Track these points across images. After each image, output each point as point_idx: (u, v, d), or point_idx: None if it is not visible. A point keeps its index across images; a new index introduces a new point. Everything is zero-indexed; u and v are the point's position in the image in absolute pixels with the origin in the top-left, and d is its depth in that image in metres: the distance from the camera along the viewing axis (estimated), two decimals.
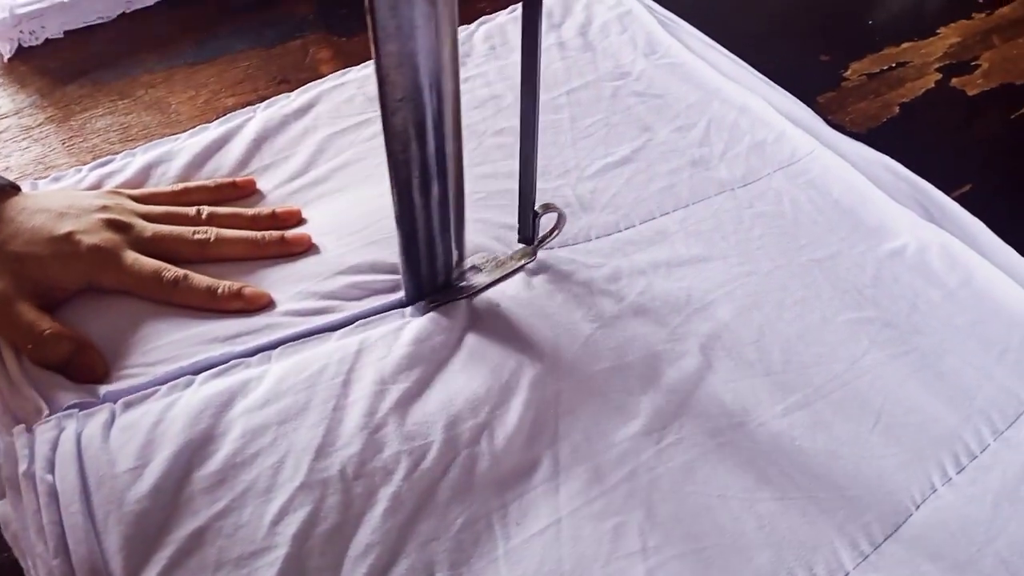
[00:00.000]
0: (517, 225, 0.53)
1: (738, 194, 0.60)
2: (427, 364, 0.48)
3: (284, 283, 0.52)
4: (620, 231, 0.57)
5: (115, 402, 0.44)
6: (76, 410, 0.44)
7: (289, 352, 0.48)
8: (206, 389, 0.46)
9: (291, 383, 0.46)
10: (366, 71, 0.67)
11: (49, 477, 0.41)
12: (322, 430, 0.45)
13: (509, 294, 0.52)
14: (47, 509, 0.40)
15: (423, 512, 0.42)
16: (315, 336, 0.49)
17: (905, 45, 0.74)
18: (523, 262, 0.53)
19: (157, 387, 0.46)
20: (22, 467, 0.41)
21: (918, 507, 0.45)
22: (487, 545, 0.42)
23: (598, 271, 0.54)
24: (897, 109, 0.72)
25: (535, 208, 0.51)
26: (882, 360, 0.51)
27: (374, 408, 0.46)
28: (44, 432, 0.42)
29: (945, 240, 0.57)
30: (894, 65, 0.74)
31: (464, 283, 0.52)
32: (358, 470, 0.44)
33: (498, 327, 0.50)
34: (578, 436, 0.46)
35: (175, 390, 0.46)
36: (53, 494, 0.40)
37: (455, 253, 0.51)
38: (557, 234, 0.53)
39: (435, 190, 0.45)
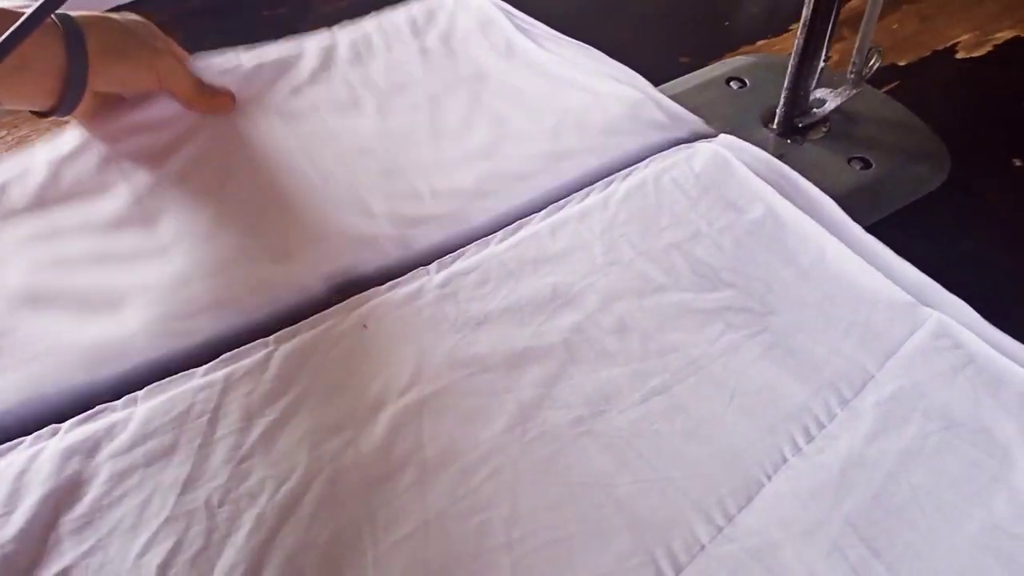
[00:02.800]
0: None
1: (606, 187, 0.62)
2: (293, 394, 0.49)
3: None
4: (489, 234, 0.58)
5: None
6: None
7: (155, 392, 0.48)
8: (71, 436, 0.46)
9: (157, 424, 0.47)
10: None
11: None
12: (188, 467, 0.45)
13: (379, 312, 0.53)
14: None
15: (287, 527, 0.43)
16: (181, 374, 0.49)
17: (760, 43, 0.77)
18: (856, 90, 0.66)
19: (22, 439, 0.46)
20: None
21: (770, 479, 0.47)
22: (355, 553, 0.43)
23: (466, 278, 0.55)
24: None
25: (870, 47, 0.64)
26: (736, 342, 0.53)
27: (240, 442, 0.47)
28: None
29: (799, 216, 0.59)
30: None
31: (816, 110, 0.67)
32: (223, 499, 0.44)
33: (365, 346, 0.51)
34: (443, 440, 0.47)
35: (40, 440, 0.46)
36: None
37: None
38: (875, 67, 0.65)
39: None
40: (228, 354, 0.50)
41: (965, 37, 0.80)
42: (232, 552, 0.42)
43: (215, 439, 0.46)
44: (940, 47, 0.79)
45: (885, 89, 0.74)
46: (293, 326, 0.52)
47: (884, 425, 0.49)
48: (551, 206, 0.61)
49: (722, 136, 0.66)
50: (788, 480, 0.47)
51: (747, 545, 0.44)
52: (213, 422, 0.47)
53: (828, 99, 0.67)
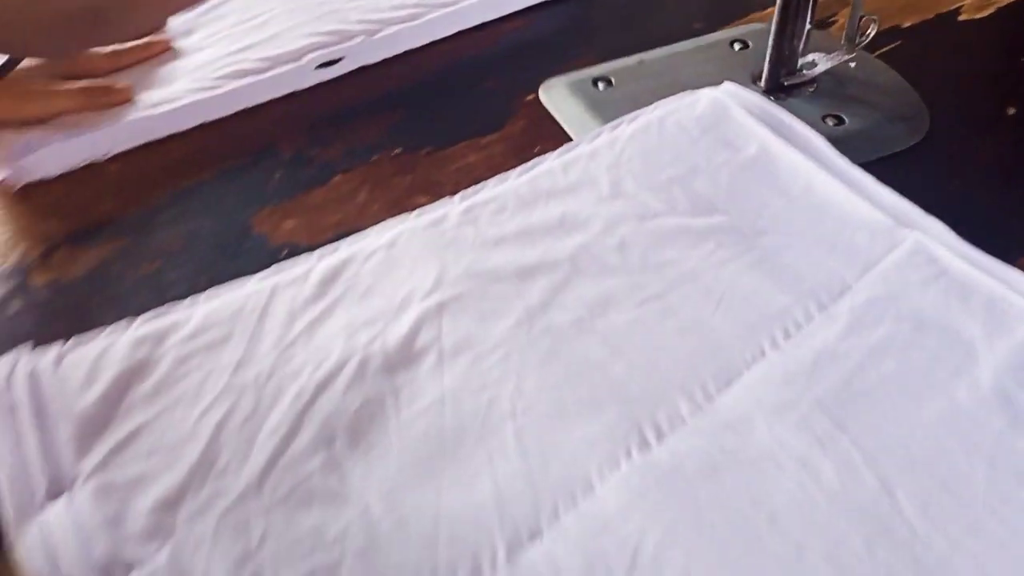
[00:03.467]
0: None
1: (613, 130, 0.68)
2: (330, 298, 0.56)
3: None
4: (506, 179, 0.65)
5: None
6: (29, 349, 0.52)
7: (212, 296, 0.56)
8: (142, 329, 0.54)
9: (215, 319, 0.55)
10: None
11: (7, 395, 0.49)
12: (240, 352, 0.53)
13: (407, 234, 0.60)
14: (5, 419, 0.48)
15: (322, 397, 0.50)
16: (234, 282, 0.57)
17: (769, 10, 0.83)
18: (847, 55, 0.70)
19: (100, 329, 0.54)
20: None
21: (749, 368, 0.52)
22: (380, 419, 0.50)
23: (485, 207, 0.62)
24: None
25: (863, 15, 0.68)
26: (727, 258, 0.59)
27: (285, 334, 0.54)
28: (3, 364, 0.51)
29: (790, 152, 0.65)
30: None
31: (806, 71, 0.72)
32: (269, 376, 0.52)
33: (393, 261, 0.58)
34: (459, 334, 0.54)
35: (115, 332, 0.54)
36: (11, 408, 0.48)
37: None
38: (871, 35, 0.68)
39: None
40: (275, 266, 0.58)
41: (970, 0, 0.84)
42: (276, 416, 0.49)
43: (264, 331, 0.54)
44: (944, 10, 0.83)
45: (884, 50, 0.79)
46: (333, 243, 0.59)
47: (857, 325, 0.54)
48: (566, 145, 0.68)
49: (725, 84, 0.72)
50: (765, 369, 0.52)
51: (723, 419, 0.50)
52: (262, 318, 0.54)
53: (819, 62, 0.72)
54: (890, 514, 0.45)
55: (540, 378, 0.52)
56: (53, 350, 0.52)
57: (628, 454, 0.48)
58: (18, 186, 0.68)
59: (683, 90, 0.73)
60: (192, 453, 0.47)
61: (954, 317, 0.55)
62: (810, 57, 0.74)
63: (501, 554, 0.44)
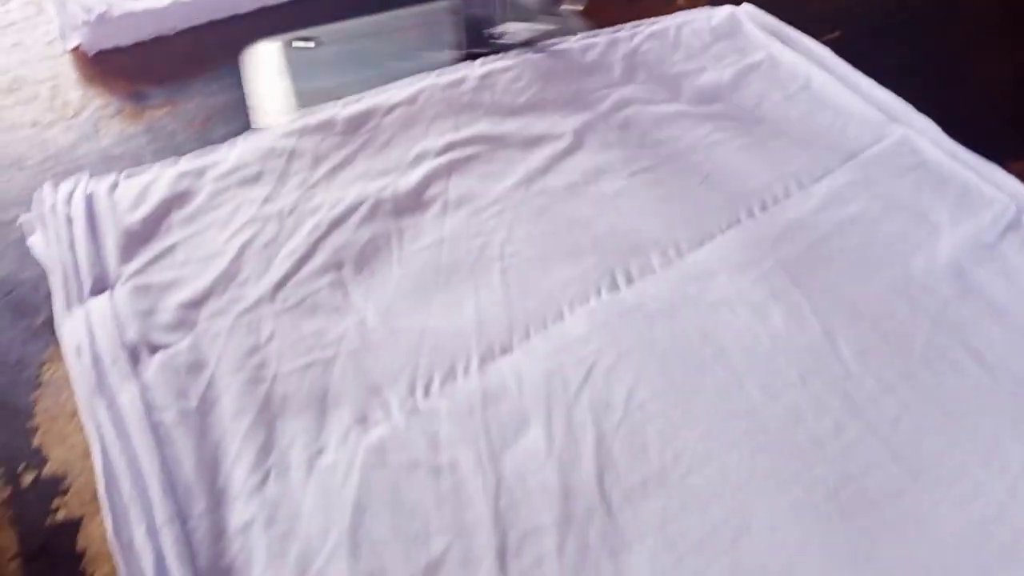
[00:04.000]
0: None
1: (634, 28, 0.73)
2: (353, 146, 0.62)
3: None
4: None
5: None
6: (86, 175, 0.59)
7: (248, 138, 0.63)
8: (187, 164, 0.61)
9: (248, 159, 0.61)
10: None
11: (66, 208, 0.57)
12: (268, 189, 0.60)
13: (427, 92, 0.66)
14: (64, 227, 0.56)
15: (335, 231, 0.57)
16: (268, 126, 0.64)
17: None
18: (546, 25, 0.69)
19: (149, 165, 0.61)
20: (48, 204, 0.57)
21: (723, 232, 0.57)
22: (384, 253, 0.56)
23: (503, 74, 0.68)
24: None
25: None
26: (720, 140, 0.63)
27: (309, 176, 0.61)
28: (64, 185, 0.58)
29: (792, 56, 0.69)
30: None
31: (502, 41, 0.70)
32: (291, 210, 0.58)
33: (413, 116, 0.64)
34: (463, 189, 0.60)
35: (164, 166, 0.61)
36: (69, 219, 0.56)
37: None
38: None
39: None
40: (304, 110, 0.64)
41: None
42: (293, 242, 0.56)
43: (290, 172, 0.60)
44: None
45: None
46: (358, 93, 0.66)
47: (831, 202, 0.59)
48: (587, 32, 0.72)
49: (744, 4, 0.76)
50: (737, 234, 0.57)
51: (689, 271, 0.55)
52: (290, 160, 0.61)
53: (517, 31, 0.70)
54: (828, 355, 0.50)
55: (529, 230, 0.57)
56: (109, 178, 0.59)
57: (598, 293, 0.53)
58: (93, 52, 0.76)
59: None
60: (218, 266, 0.55)
61: (925, 201, 0.58)
62: (505, 26, 0.70)
63: (474, 363, 0.50)
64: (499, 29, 0.70)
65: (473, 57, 0.70)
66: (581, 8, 0.70)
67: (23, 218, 0.57)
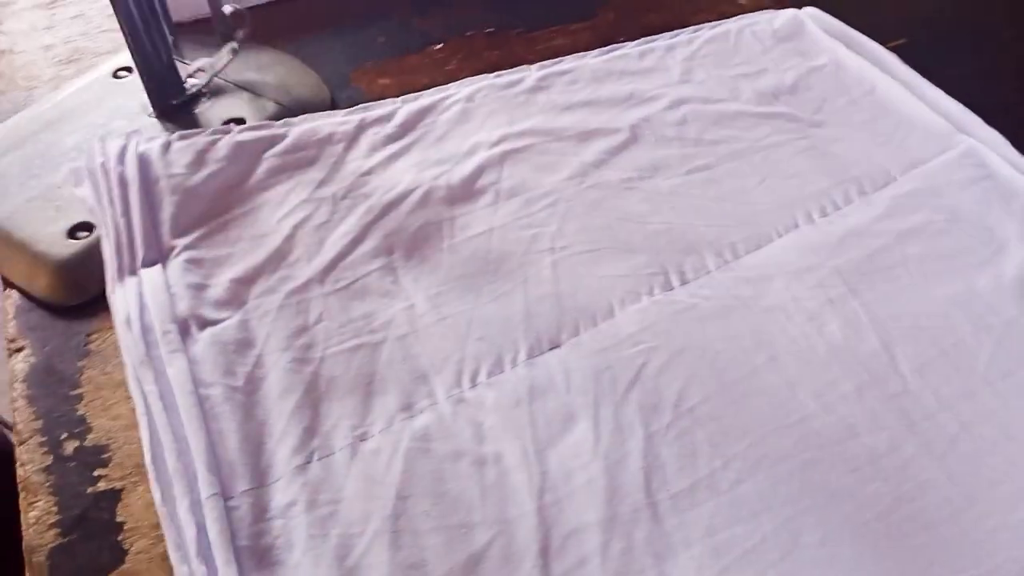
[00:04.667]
0: None
1: (693, 32, 0.72)
2: (409, 139, 0.62)
3: None
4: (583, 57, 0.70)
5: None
6: (139, 134, 0.59)
7: (307, 120, 0.63)
8: (244, 136, 0.61)
9: (306, 141, 0.61)
10: None
11: (120, 167, 0.56)
12: (323, 173, 0.59)
13: (484, 91, 0.65)
14: (117, 189, 0.55)
15: (387, 216, 0.56)
16: (327, 112, 0.64)
17: None
18: (231, 57, 0.64)
19: (203, 129, 0.61)
20: (99, 160, 0.57)
21: (780, 236, 0.56)
22: (435, 240, 0.56)
23: (560, 77, 0.67)
24: None
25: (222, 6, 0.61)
26: (779, 142, 0.62)
27: (364, 164, 0.60)
28: (113, 143, 0.58)
29: (857, 61, 0.67)
30: None
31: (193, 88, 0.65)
32: (345, 194, 0.58)
33: (470, 113, 0.64)
34: (516, 180, 0.59)
35: (219, 133, 0.61)
36: (122, 179, 0.56)
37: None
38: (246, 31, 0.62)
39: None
40: (364, 104, 0.64)
41: None
42: (345, 226, 0.56)
43: (347, 159, 0.60)
44: None
45: None
46: (418, 92, 0.65)
47: (893, 212, 0.57)
48: (643, 38, 0.71)
49: (807, 7, 0.74)
50: (795, 239, 0.56)
51: (745, 274, 0.54)
52: (347, 148, 0.61)
53: (206, 69, 0.65)
54: (886, 369, 0.49)
55: (582, 223, 0.57)
56: (160, 138, 0.59)
57: (651, 292, 0.53)
58: None
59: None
60: (271, 245, 0.54)
61: (992, 216, 0.57)
62: (194, 66, 0.65)
63: (522, 355, 0.49)
64: (191, 69, 0.65)
65: (174, 112, 0.65)
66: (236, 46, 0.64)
67: (70, 167, 0.57)
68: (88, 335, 0.53)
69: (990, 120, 0.63)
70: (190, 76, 0.65)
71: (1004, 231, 0.56)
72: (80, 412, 0.50)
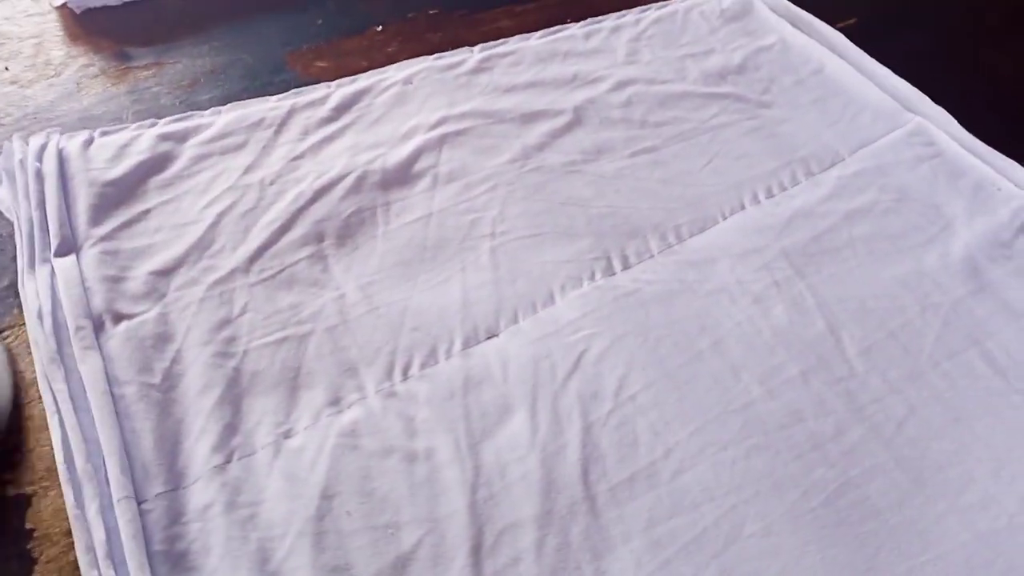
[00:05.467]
0: None
1: (640, 13, 0.70)
2: (343, 122, 0.60)
3: None
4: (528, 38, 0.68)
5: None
6: (58, 132, 0.56)
7: (237, 107, 0.60)
8: (166, 128, 0.58)
9: (234, 127, 0.59)
10: None
11: (37, 164, 0.54)
12: (252, 158, 0.57)
13: (424, 73, 0.63)
14: (33, 182, 0.53)
15: (318, 202, 0.54)
16: (258, 99, 0.61)
17: None
18: None
19: (127, 124, 0.58)
20: (17, 158, 0.54)
21: (725, 218, 0.54)
22: (369, 226, 0.53)
23: (503, 59, 0.65)
24: None
25: None
26: (726, 123, 0.60)
27: (295, 148, 0.58)
28: (35, 140, 0.55)
29: (805, 40, 0.66)
30: None
31: None
32: (274, 179, 0.56)
33: (407, 96, 0.61)
34: (456, 164, 0.57)
35: (142, 128, 0.58)
36: (39, 174, 0.53)
37: None
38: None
39: None
40: (296, 89, 0.61)
41: None
42: (273, 213, 0.53)
43: (277, 143, 0.58)
44: None
45: None
46: (357, 74, 0.63)
47: (840, 192, 0.56)
48: (591, 19, 0.69)
49: None
50: (740, 221, 0.54)
51: (689, 258, 0.52)
52: (278, 132, 0.58)
53: None
54: (832, 353, 0.47)
55: (523, 208, 0.54)
56: (83, 135, 0.57)
57: (592, 276, 0.51)
58: (80, 10, 0.72)
59: None
60: (193, 234, 0.52)
61: (939, 194, 0.55)
62: None
63: (457, 345, 0.47)
64: None
65: None
66: None
67: None
68: (0, 331, 0.50)
69: (938, 99, 0.62)
70: None
71: (951, 209, 0.55)
72: None
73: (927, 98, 0.61)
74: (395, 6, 0.76)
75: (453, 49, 0.69)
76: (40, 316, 0.46)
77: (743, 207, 0.55)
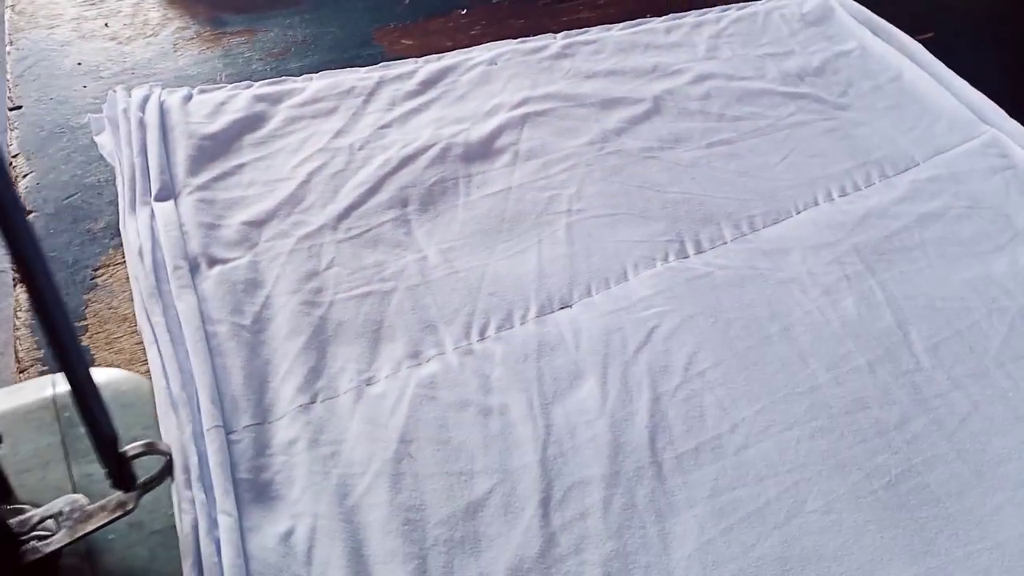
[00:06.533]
0: None
1: (721, 11, 0.71)
2: (429, 96, 0.62)
3: None
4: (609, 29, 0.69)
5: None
6: (159, 86, 0.59)
7: (327, 76, 0.63)
8: (261, 90, 0.61)
9: (325, 93, 0.61)
10: None
11: (140, 113, 0.56)
12: (341, 123, 0.59)
13: (508, 55, 0.65)
14: (136, 130, 0.55)
15: (404, 169, 0.56)
16: (348, 68, 0.63)
17: None
18: (116, 514, 0.34)
19: (223, 85, 0.61)
20: (121, 107, 0.57)
21: (799, 212, 0.55)
22: (451, 196, 0.55)
23: (584, 46, 0.67)
24: None
25: (120, 450, 0.34)
26: (803, 121, 0.61)
27: (383, 117, 0.60)
28: (138, 91, 0.58)
29: (884, 48, 0.67)
30: None
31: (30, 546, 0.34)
32: (363, 145, 0.58)
33: (491, 75, 0.63)
34: (536, 142, 0.59)
35: (238, 88, 0.61)
36: (141, 123, 0.56)
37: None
38: (168, 481, 0.35)
39: None
40: (385, 63, 0.64)
41: None
42: (361, 175, 0.55)
43: (365, 111, 0.60)
44: None
45: None
46: (442, 53, 0.65)
47: (914, 195, 0.57)
48: (672, 14, 0.71)
49: None
50: (814, 216, 0.55)
51: (761, 247, 0.53)
52: (367, 101, 0.60)
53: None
54: (899, 346, 0.48)
55: (600, 188, 0.56)
56: (182, 91, 0.59)
57: (665, 257, 0.52)
58: None
59: None
60: (285, 190, 0.54)
61: (1011, 204, 0.56)
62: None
63: (532, 312, 0.49)
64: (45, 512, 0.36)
65: None
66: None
67: (93, 116, 0.57)
68: (95, 269, 0.53)
69: (1013, 113, 0.63)
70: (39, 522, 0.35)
71: (1022, 219, 0.55)
72: (84, 343, 0.49)
73: (1002, 111, 0.62)
74: None
75: (535, 35, 0.70)
76: (140, 254, 0.48)
77: (817, 203, 0.56)
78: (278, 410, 0.43)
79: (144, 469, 0.36)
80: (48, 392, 0.41)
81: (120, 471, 0.34)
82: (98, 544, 0.38)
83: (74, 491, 0.37)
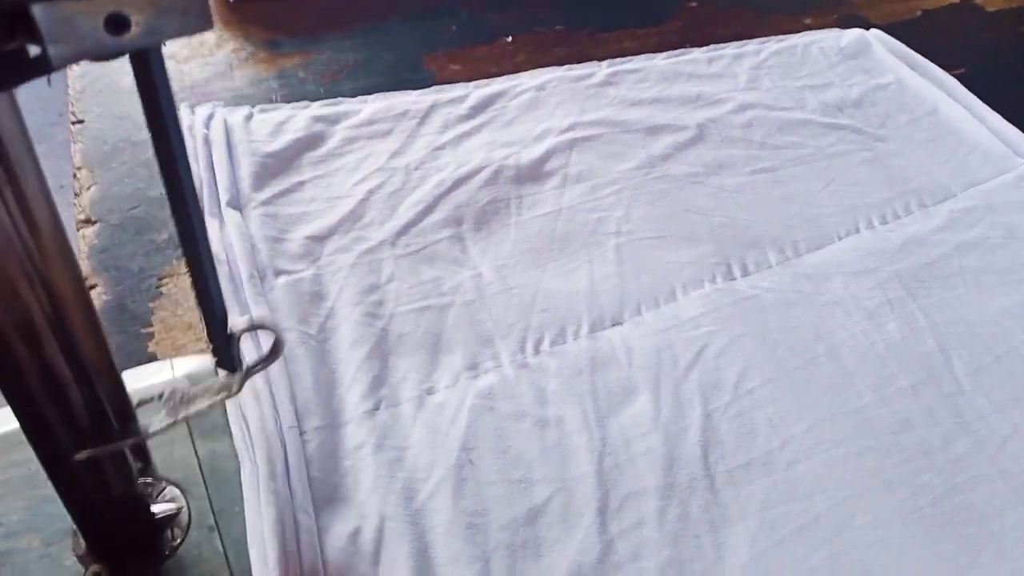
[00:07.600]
0: None
1: (760, 44, 0.73)
2: (480, 120, 0.64)
3: None
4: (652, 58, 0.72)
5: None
6: (221, 104, 0.62)
7: (382, 98, 0.65)
8: (319, 111, 0.63)
9: (381, 115, 0.63)
10: None
11: (205, 130, 0.59)
12: (397, 144, 0.61)
13: (555, 83, 0.67)
14: (202, 147, 0.58)
15: (458, 190, 0.58)
16: (402, 91, 0.66)
17: None
18: (220, 396, 0.34)
19: (280, 105, 0.63)
20: (187, 124, 0.59)
21: (841, 239, 0.57)
22: (503, 215, 0.57)
23: (630, 75, 0.69)
24: (919, 13, 0.84)
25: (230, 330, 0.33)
26: (843, 151, 0.63)
27: (437, 139, 0.62)
28: (201, 110, 0.61)
29: (921, 82, 0.69)
30: None
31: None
32: (418, 165, 0.60)
33: (538, 101, 0.66)
34: (584, 166, 0.61)
35: (297, 108, 0.63)
36: (206, 139, 0.58)
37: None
38: (273, 360, 0.34)
39: None
40: (437, 87, 0.66)
41: None
42: (417, 195, 0.57)
43: (420, 133, 0.62)
44: None
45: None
46: (490, 78, 0.67)
47: (952, 224, 0.58)
48: (712, 45, 0.73)
49: (873, 29, 0.76)
50: (855, 242, 0.57)
51: (805, 271, 0.55)
52: (420, 123, 0.63)
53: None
54: (942, 370, 0.50)
55: (647, 211, 0.58)
56: (243, 110, 0.61)
57: (713, 279, 0.54)
58: None
59: None
60: (345, 207, 0.56)
61: None
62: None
63: (584, 328, 0.51)
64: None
65: None
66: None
67: None
68: (160, 279, 0.55)
69: None
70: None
71: None
72: (151, 350, 0.51)
73: None
74: (524, 20, 0.80)
75: (578, 63, 0.73)
76: (217, 260, 0.50)
77: (858, 230, 0.58)
78: (345, 416, 0.45)
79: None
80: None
81: (228, 351, 0.33)
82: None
83: None
